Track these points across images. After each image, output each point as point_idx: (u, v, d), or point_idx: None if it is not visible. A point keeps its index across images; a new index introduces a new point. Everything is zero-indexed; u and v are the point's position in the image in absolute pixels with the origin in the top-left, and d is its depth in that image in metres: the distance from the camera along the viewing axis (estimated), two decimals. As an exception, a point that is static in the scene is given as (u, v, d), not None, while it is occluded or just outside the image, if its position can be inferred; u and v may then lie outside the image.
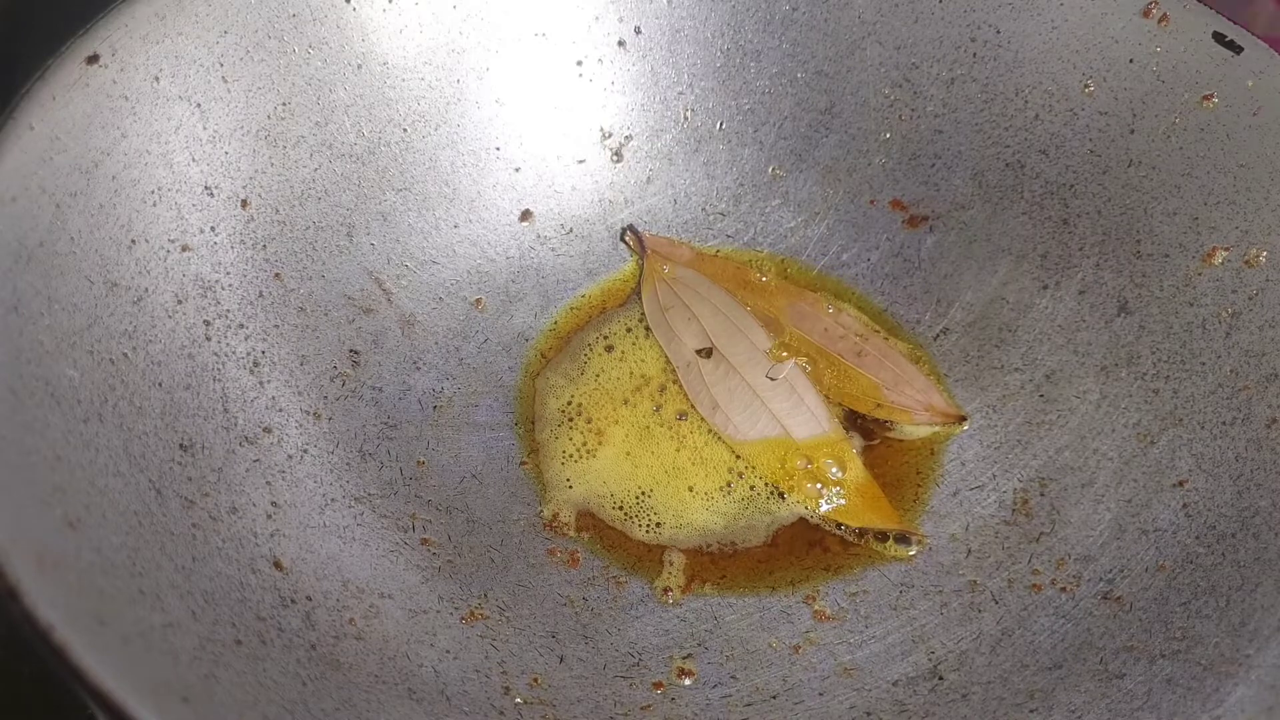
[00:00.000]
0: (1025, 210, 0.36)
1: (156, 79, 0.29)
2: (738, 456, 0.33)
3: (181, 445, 0.27)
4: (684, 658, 0.29)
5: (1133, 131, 0.34)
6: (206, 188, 0.30)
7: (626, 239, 0.38)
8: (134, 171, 0.28)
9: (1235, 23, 0.33)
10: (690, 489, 0.33)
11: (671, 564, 0.32)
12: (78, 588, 0.21)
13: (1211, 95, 0.33)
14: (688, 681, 0.29)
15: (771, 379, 0.34)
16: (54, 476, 0.23)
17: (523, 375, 0.35)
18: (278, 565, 0.27)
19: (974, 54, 0.36)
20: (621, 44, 0.38)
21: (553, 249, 0.37)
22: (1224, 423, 0.30)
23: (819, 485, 0.33)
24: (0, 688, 0.29)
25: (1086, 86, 0.35)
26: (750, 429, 0.34)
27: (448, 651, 0.28)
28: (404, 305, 0.34)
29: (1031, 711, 0.27)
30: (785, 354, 0.35)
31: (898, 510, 0.33)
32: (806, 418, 0.34)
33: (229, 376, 0.29)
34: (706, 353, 0.35)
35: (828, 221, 0.38)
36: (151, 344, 0.27)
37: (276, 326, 0.31)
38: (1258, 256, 0.31)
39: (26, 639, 0.20)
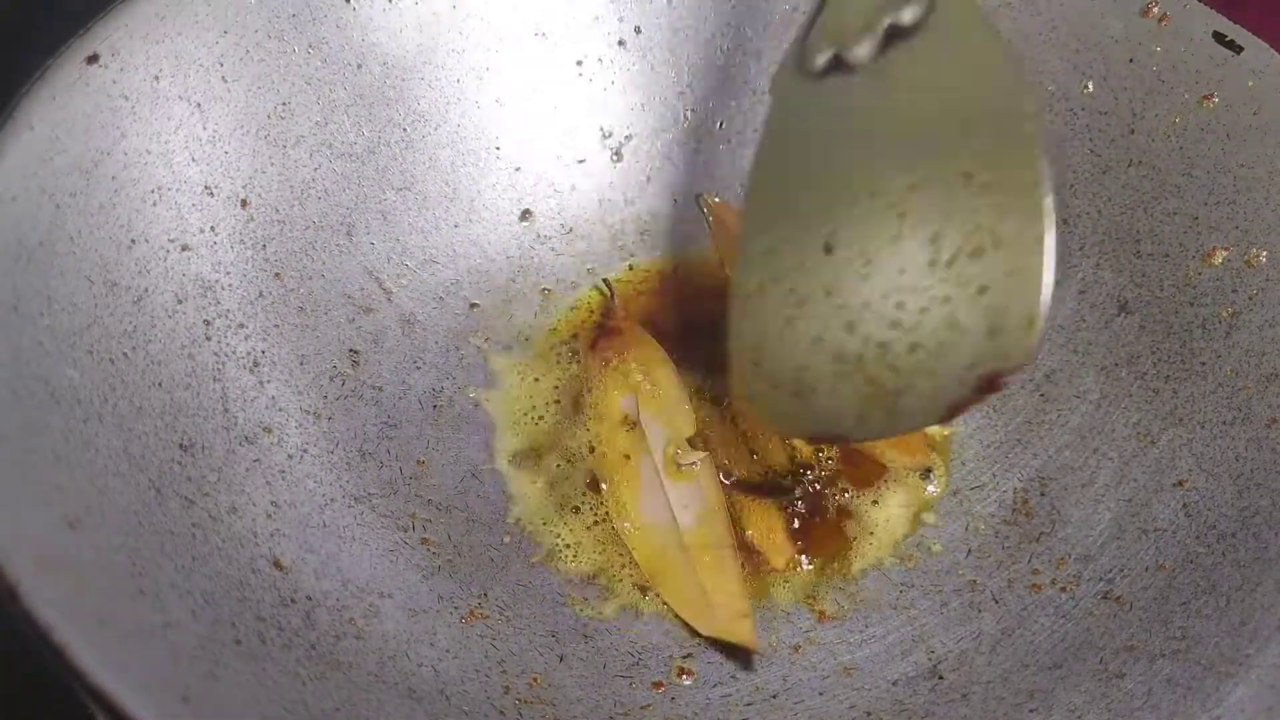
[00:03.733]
0: (1025, 210, 0.36)
1: (156, 79, 0.29)
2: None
3: (181, 445, 0.27)
4: (684, 658, 0.29)
5: (1133, 131, 0.34)
6: (206, 187, 0.30)
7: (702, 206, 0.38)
8: (134, 171, 0.28)
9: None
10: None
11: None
12: (78, 588, 0.21)
13: (1211, 95, 0.33)
14: (688, 681, 0.29)
15: (680, 464, 0.33)
16: (54, 476, 0.23)
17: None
18: (278, 565, 0.27)
19: (974, 54, 0.36)
20: (621, 44, 0.38)
21: (553, 249, 0.37)
22: (1224, 423, 0.30)
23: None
24: (0, 688, 0.29)
25: (1086, 86, 0.35)
26: (641, 512, 0.32)
27: (448, 651, 0.28)
28: (404, 305, 0.34)
29: (1031, 711, 0.27)
30: (701, 445, 0.33)
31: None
32: (699, 509, 0.32)
33: (229, 376, 0.29)
34: (630, 423, 0.34)
35: (828, 221, 0.38)
36: (151, 344, 0.27)
37: (276, 326, 0.31)
38: (1258, 256, 0.31)
39: (26, 639, 0.20)
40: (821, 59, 0.29)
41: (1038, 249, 0.24)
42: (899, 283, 0.26)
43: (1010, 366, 0.25)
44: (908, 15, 0.27)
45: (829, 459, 0.34)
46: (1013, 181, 0.24)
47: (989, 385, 0.25)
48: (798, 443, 0.34)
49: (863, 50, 0.28)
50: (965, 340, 0.25)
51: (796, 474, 0.33)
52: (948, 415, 0.27)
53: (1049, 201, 0.24)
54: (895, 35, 0.28)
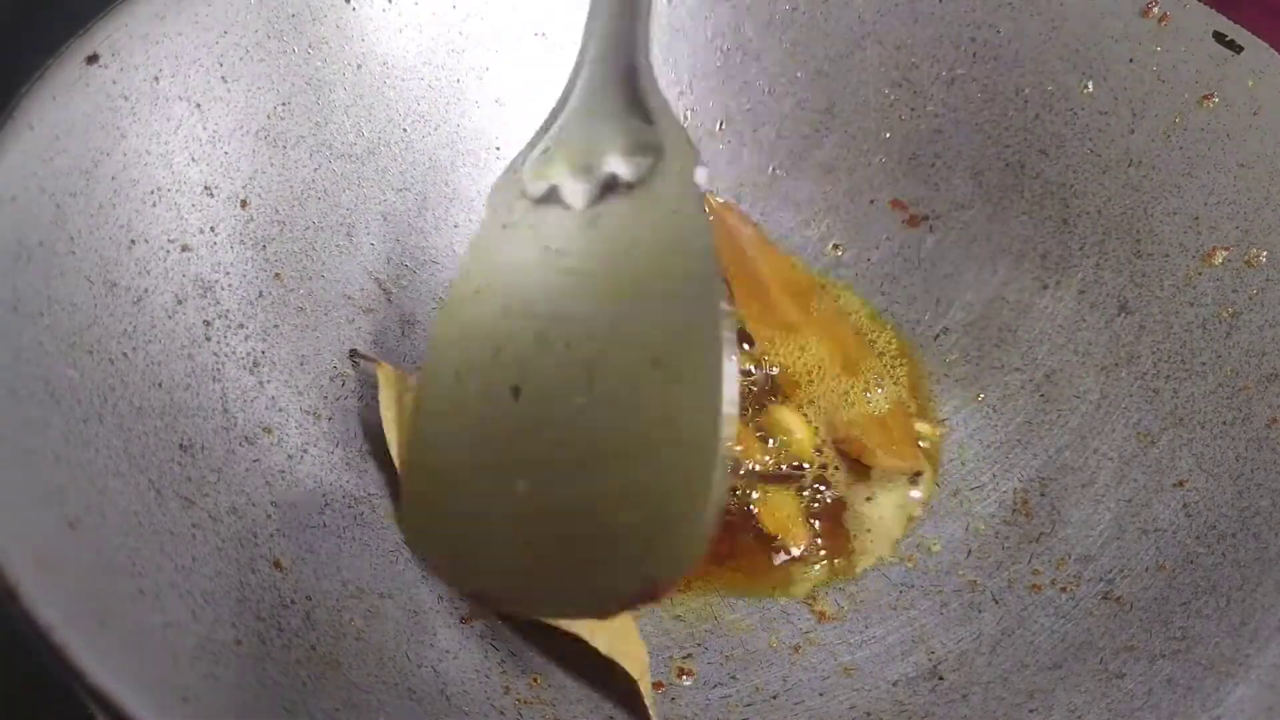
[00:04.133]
0: (1025, 210, 0.36)
1: (156, 79, 0.29)
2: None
3: (181, 445, 0.27)
4: (684, 658, 0.29)
5: (1133, 131, 0.34)
6: (206, 188, 0.30)
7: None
8: (134, 171, 0.28)
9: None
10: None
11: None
12: (78, 588, 0.21)
13: (1211, 95, 0.33)
14: (688, 681, 0.29)
15: None
16: (54, 476, 0.23)
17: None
18: (278, 565, 0.27)
19: (974, 54, 0.36)
20: (621, 44, 0.38)
21: (553, 249, 0.37)
22: (1224, 423, 0.30)
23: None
24: (0, 688, 0.29)
25: (1086, 87, 0.35)
26: None
27: (448, 651, 0.28)
28: (404, 305, 0.34)
29: (1031, 711, 0.27)
30: None
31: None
32: None
33: (229, 376, 0.29)
34: None
35: (827, 221, 0.38)
36: (151, 344, 0.27)
37: (276, 326, 0.31)
38: (1258, 256, 0.31)
39: (26, 639, 0.20)
40: (537, 188, 0.28)
41: (711, 464, 0.22)
42: (578, 454, 0.24)
43: (665, 580, 0.23)
44: (626, 171, 0.26)
45: (823, 453, 0.34)
46: (697, 381, 0.23)
47: (648, 594, 0.23)
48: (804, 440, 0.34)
49: (578, 190, 0.27)
50: (628, 542, 0.23)
51: (813, 465, 0.33)
52: (608, 613, 0.25)
53: (730, 411, 0.22)
54: (612, 187, 0.27)
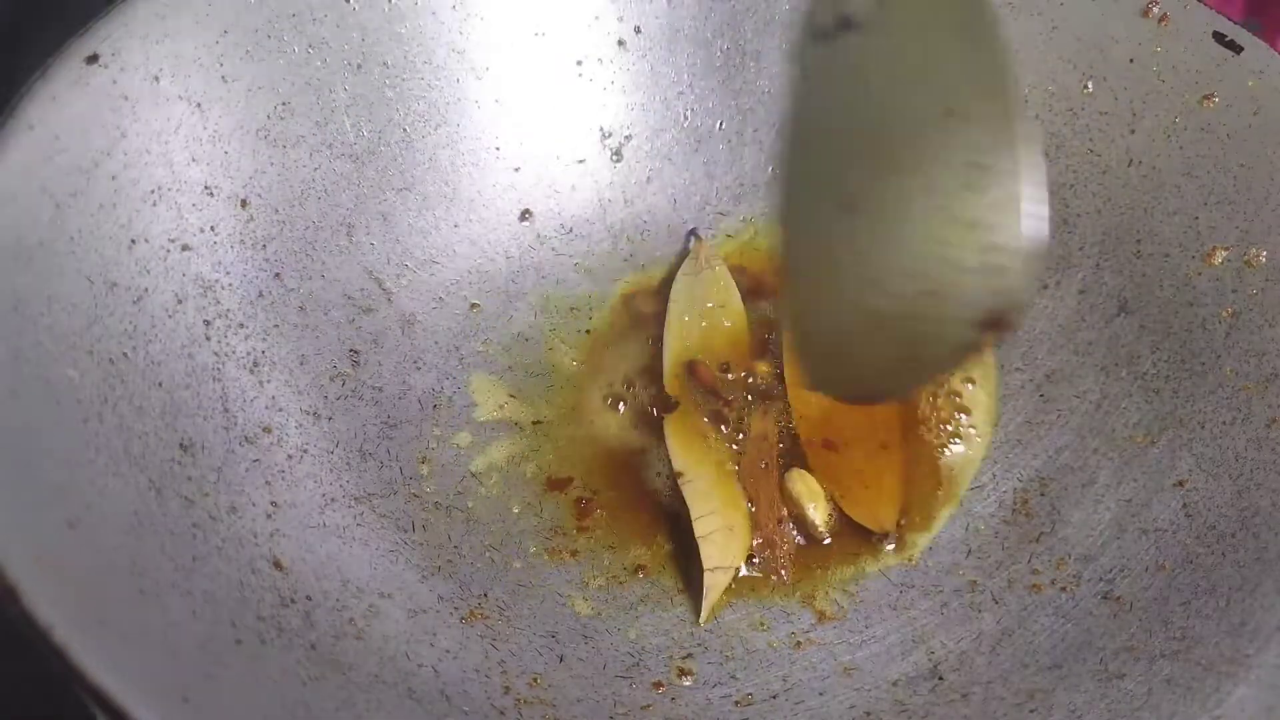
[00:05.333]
0: (1025, 210, 0.36)
1: (156, 79, 0.29)
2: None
3: (181, 445, 0.27)
4: (684, 658, 0.30)
5: (1133, 131, 0.34)
6: (206, 187, 0.30)
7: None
8: (134, 171, 0.28)
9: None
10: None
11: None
12: (78, 588, 0.21)
13: (1212, 95, 0.33)
14: (688, 681, 0.29)
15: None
16: (54, 476, 0.23)
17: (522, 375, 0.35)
18: (278, 565, 0.27)
19: (974, 54, 0.36)
20: (621, 44, 0.38)
21: (553, 249, 0.37)
22: (1224, 423, 0.30)
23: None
24: (0, 688, 0.29)
25: (1086, 87, 0.35)
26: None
27: (448, 651, 0.28)
28: (404, 305, 0.34)
29: (1031, 711, 0.27)
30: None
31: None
32: None
33: (229, 376, 0.29)
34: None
35: (828, 221, 0.38)
36: (151, 344, 0.27)
37: (276, 326, 0.31)
38: (1258, 256, 0.31)
39: (26, 639, 0.20)
40: (827, 18, 0.28)
41: (1015, 178, 0.24)
42: (911, 232, 0.26)
43: (1008, 304, 0.24)
44: None
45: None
46: (988, 112, 0.24)
47: (994, 324, 0.25)
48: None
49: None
50: (965, 280, 0.25)
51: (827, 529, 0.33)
52: (961, 360, 0.27)
53: (1023, 129, 0.23)
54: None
